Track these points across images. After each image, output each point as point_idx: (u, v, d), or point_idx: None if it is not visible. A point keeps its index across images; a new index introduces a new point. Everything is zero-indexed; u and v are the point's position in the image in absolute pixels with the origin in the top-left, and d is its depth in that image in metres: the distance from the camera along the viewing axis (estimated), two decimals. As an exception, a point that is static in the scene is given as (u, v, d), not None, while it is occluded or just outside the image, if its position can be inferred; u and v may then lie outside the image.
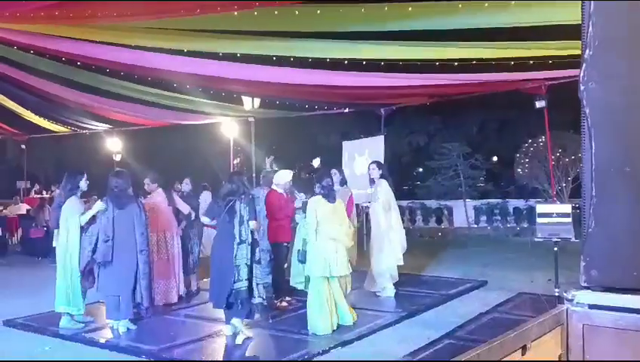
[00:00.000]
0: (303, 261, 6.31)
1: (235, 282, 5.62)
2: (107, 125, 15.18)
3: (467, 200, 17.54)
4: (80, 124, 14.95)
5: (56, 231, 6.69)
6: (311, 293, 6.05)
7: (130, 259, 6.16)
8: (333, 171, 8.08)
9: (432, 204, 18.02)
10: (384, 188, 7.62)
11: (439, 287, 8.15)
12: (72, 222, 6.35)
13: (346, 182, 8.50)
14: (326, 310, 5.90)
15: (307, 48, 7.80)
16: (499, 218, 16.64)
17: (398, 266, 7.65)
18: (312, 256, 5.96)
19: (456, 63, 7.75)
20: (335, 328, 5.96)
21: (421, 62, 7.80)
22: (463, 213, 17.10)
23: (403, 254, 7.66)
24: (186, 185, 8.73)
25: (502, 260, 10.64)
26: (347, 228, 6.15)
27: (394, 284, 7.63)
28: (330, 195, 6.07)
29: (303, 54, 7.98)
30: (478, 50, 7.52)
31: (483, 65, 7.77)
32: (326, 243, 5.90)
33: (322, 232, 5.91)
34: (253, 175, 9.69)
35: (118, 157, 17.15)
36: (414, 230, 16.16)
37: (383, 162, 8.68)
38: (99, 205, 6.33)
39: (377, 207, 7.60)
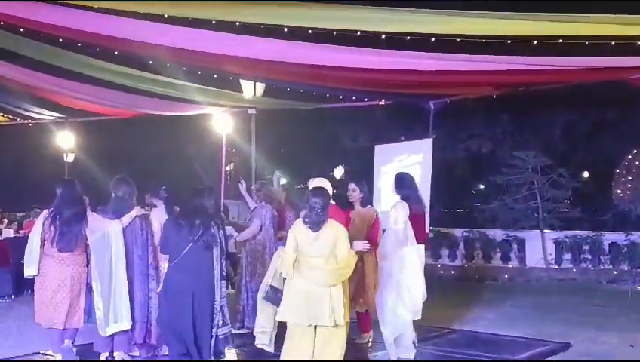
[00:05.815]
0: (271, 300, 6.29)
1: (220, 327, 6.02)
2: (57, 114, 15.30)
3: (546, 230, 17.41)
4: (20, 112, 15.09)
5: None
6: (285, 344, 6.10)
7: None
8: (352, 187, 7.99)
9: (497, 234, 17.91)
10: (400, 213, 7.12)
11: (502, 350, 8.10)
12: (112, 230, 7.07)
13: (370, 202, 8.49)
14: None
15: (331, 17, 7.85)
16: (589, 257, 16.48)
17: (419, 320, 7.22)
18: (285, 297, 6.04)
19: (535, 42, 7.74)
20: None
21: (487, 39, 7.79)
22: (539, 248, 16.98)
23: (424, 303, 7.18)
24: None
25: (591, 315, 10.53)
26: (334, 265, 5.96)
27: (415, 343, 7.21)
28: (312, 221, 5.96)
29: (325, 25, 8.02)
30: (567, 25, 7.50)
31: (572, 46, 7.76)
32: (302, 282, 5.93)
33: (299, 267, 5.95)
34: (252, 186, 9.69)
35: (70, 158, 17.30)
36: (470, 269, 16.09)
37: (430, 172, 8.55)
38: (137, 210, 7.31)
39: (390, 237, 7.17)
